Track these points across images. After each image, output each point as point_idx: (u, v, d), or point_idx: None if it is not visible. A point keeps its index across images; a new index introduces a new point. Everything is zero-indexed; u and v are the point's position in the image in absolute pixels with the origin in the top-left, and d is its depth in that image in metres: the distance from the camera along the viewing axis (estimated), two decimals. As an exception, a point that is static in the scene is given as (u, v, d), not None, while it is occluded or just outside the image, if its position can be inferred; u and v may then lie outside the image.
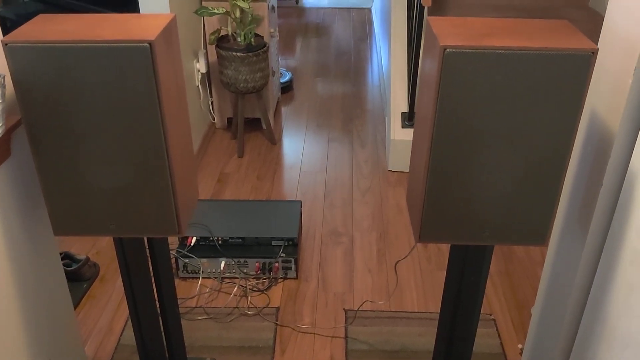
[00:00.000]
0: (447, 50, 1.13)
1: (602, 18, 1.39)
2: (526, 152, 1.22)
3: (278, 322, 2.21)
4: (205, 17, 3.29)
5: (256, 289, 2.36)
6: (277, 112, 3.85)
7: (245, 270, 2.39)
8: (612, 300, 1.22)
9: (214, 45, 3.26)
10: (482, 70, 1.14)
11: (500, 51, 1.12)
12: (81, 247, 2.58)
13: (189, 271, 2.39)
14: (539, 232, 1.32)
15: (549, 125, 1.19)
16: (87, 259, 2.37)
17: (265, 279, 2.41)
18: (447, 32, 1.19)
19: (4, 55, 1.18)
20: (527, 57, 1.12)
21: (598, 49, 1.13)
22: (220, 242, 2.40)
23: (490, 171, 1.24)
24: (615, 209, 1.24)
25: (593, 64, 1.13)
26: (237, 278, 2.40)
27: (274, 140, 3.48)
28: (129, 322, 2.19)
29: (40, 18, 1.28)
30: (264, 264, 2.38)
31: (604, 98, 1.35)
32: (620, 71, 1.27)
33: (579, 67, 1.13)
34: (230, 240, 2.40)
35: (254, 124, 3.63)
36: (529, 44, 1.13)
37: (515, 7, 3.24)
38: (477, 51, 1.12)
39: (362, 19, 5.69)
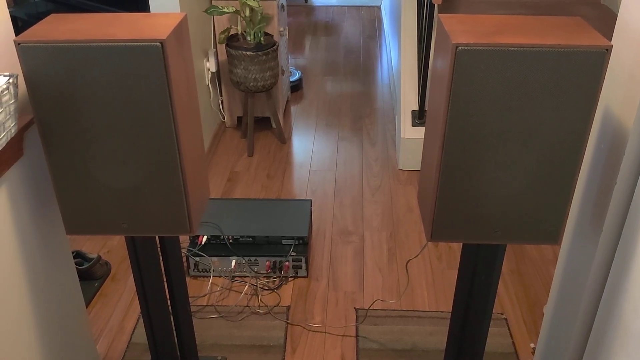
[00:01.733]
0: (459, 47, 1.12)
1: (615, 15, 1.38)
2: (539, 150, 1.21)
3: (289, 321, 2.21)
4: (215, 16, 3.30)
5: (267, 288, 2.36)
6: (286, 111, 3.85)
7: (255, 269, 2.40)
8: (626, 298, 1.21)
9: (223, 45, 3.27)
10: (494, 68, 1.13)
11: (512, 48, 1.11)
12: (92, 246, 2.59)
13: (200, 270, 2.40)
14: (551, 231, 1.32)
15: (562, 123, 1.18)
16: (99, 257, 2.39)
17: (275, 277, 2.41)
18: (459, 29, 1.18)
19: (16, 55, 1.19)
20: (540, 54, 1.12)
21: (612, 46, 1.12)
22: (230, 241, 2.40)
23: (503, 169, 1.24)
24: (629, 206, 1.23)
25: (607, 61, 1.12)
26: (248, 277, 2.41)
27: (284, 139, 3.48)
28: (141, 320, 2.20)
29: (52, 18, 1.29)
30: (275, 262, 2.38)
31: (618, 95, 1.33)
32: (634, 68, 1.26)
33: (593, 64, 1.12)
34: (240, 239, 2.40)
35: (263, 123, 3.63)
36: (542, 41, 1.12)
37: (526, 5, 3.22)
38: (490, 48, 1.12)
39: (371, 17, 5.68)
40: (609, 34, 1.41)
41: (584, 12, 3.09)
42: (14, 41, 1.17)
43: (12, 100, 1.26)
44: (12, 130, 1.29)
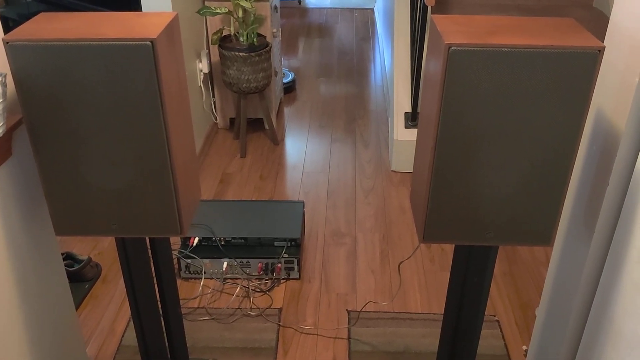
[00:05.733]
0: (452, 48, 1.11)
1: (607, 18, 1.38)
2: (531, 152, 1.21)
3: (281, 323, 2.20)
4: (207, 17, 3.29)
5: (259, 290, 2.35)
6: (279, 112, 3.84)
7: (247, 271, 2.38)
8: (619, 300, 1.21)
9: (216, 45, 3.26)
10: (487, 69, 1.13)
11: (505, 49, 1.11)
12: (83, 247, 2.57)
13: (191, 272, 2.38)
14: (544, 233, 1.31)
15: (554, 124, 1.18)
16: (89, 259, 2.37)
17: (267, 279, 2.40)
18: (452, 30, 1.18)
19: (5, 54, 1.18)
20: (533, 55, 1.11)
21: (604, 47, 1.12)
22: (222, 243, 2.39)
23: (495, 171, 1.23)
24: (621, 208, 1.23)
25: (599, 62, 1.12)
26: (240, 279, 2.39)
27: (277, 141, 3.47)
28: (131, 323, 2.19)
29: (42, 17, 1.28)
30: (267, 264, 2.37)
31: (610, 97, 1.33)
32: (626, 70, 1.26)
33: (585, 66, 1.12)
34: (232, 240, 2.39)
35: (256, 124, 3.62)
36: (535, 42, 1.12)
37: (519, 7, 3.22)
38: (482, 49, 1.11)
39: (364, 19, 5.68)
40: (601, 37, 1.41)
41: (577, 14, 3.10)
42: (3, 40, 1.16)
43: (1, 100, 1.25)
44: (1, 130, 1.28)
